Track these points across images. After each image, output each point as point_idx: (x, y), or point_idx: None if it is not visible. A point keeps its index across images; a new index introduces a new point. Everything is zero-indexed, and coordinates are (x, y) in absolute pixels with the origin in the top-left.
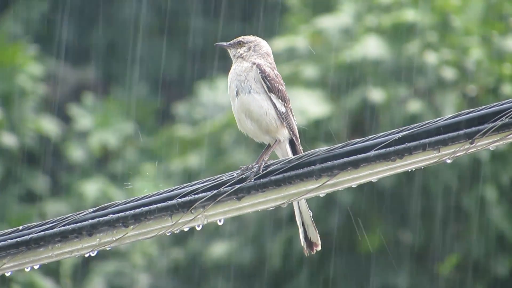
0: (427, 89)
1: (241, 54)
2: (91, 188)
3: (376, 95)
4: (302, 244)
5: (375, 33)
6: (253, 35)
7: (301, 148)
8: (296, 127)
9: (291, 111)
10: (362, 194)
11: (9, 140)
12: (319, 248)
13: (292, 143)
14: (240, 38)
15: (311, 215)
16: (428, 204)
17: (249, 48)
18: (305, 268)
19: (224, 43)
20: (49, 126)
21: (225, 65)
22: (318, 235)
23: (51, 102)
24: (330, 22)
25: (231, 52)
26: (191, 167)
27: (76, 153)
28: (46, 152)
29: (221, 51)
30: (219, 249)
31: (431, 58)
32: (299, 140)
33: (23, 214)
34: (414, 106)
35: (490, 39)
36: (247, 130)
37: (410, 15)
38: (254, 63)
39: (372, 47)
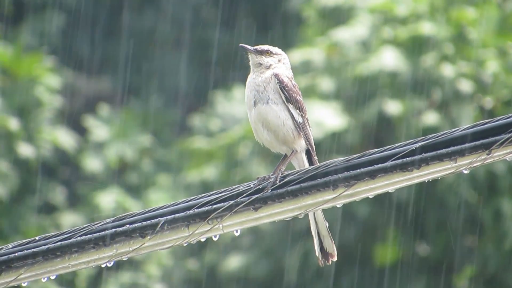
0: (444, 101)
1: (270, 64)
2: (107, 199)
3: (392, 107)
4: (317, 254)
5: (392, 45)
6: (278, 47)
7: (316, 158)
8: (312, 138)
9: (307, 122)
10: (378, 206)
11: (26, 151)
12: (335, 259)
13: (308, 154)
14: (268, 47)
15: (327, 226)
16: (445, 217)
17: (279, 60)
18: (321, 280)
19: (250, 47)
20: (65, 138)
21: (240, 75)
22: (335, 246)
23: (67, 113)
24: (346, 34)
25: (255, 58)
26: (207, 179)
27: (92, 164)
28: (62, 163)
29: (240, 59)
30: (235, 261)
31: (447, 70)
32: (315, 150)
33: (39, 226)
34: (430, 118)
35: (506, 51)
36: (263, 141)
37: (426, 27)
38: (273, 73)
39: (388, 60)
